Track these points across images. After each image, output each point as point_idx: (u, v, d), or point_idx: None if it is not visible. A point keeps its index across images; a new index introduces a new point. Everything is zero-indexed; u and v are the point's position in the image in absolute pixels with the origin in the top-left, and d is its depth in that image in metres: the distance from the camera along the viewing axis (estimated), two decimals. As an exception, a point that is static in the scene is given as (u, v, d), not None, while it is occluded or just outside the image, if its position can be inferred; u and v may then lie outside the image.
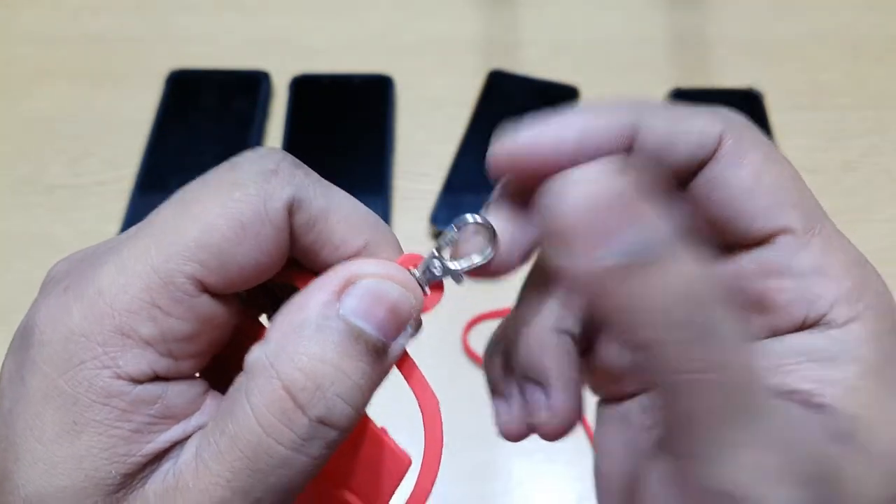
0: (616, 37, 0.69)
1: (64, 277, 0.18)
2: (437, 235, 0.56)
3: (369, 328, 0.17)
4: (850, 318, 0.17)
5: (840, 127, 0.63)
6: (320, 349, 0.17)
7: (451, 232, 0.19)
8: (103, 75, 0.66)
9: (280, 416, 0.16)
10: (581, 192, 0.15)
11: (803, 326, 0.18)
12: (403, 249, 0.20)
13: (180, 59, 0.66)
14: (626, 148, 0.18)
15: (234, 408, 0.16)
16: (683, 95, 0.63)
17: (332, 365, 0.16)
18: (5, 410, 0.17)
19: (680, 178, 0.19)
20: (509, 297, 0.50)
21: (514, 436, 0.22)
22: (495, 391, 0.23)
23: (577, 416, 0.21)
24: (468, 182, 0.58)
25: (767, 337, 0.19)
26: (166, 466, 0.17)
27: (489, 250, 0.19)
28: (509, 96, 0.63)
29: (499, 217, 0.19)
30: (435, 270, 0.19)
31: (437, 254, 0.19)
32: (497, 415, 0.22)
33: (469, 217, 0.19)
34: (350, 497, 0.19)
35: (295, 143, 0.61)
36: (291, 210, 0.18)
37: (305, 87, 0.64)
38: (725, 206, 0.18)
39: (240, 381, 0.17)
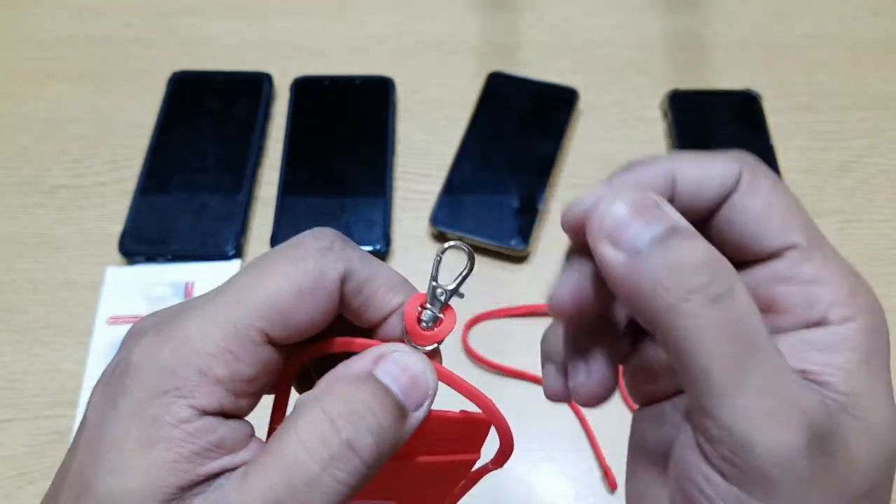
0: (615, 39, 0.70)
1: (153, 326, 0.21)
2: (437, 236, 0.57)
3: (395, 387, 0.21)
4: (846, 317, 0.21)
5: (837, 128, 0.64)
6: (357, 391, 0.21)
7: (437, 259, 0.24)
8: (106, 77, 0.67)
9: (317, 435, 0.20)
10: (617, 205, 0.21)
11: (806, 326, 0.22)
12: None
13: (183, 60, 0.67)
14: (669, 193, 0.22)
15: (282, 433, 0.20)
16: (681, 97, 0.63)
17: (363, 403, 0.20)
18: (93, 426, 0.20)
19: (709, 210, 0.23)
20: (507, 298, 0.51)
21: (556, 397, 0.26)
22: (547, 359, 0.26)
23: (610, 389, 0.25)
24: (468, 183, 0.59)
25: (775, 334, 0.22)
26: (214, 487, 0.20)
27: (469, 263, 0.24)
28: (509, 98, 0.63)
29: (567, 274, 0.23)
30: (440, 296, 0.23)
31: (434, 282, 0.23)
32: (545, 377, 0.26)
33: (448, 244, 0.24)
34: (450, 458, 0.25)
35: (296, 145, 0.61)
36: (343, 280, 0.22)
37: (307, 89, 0.64)
38: (745, 227, 0.22)
39: (289, 417, 0.21)
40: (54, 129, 0.63)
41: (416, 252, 0.57)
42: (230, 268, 0.54)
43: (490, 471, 0.27)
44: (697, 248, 0.20)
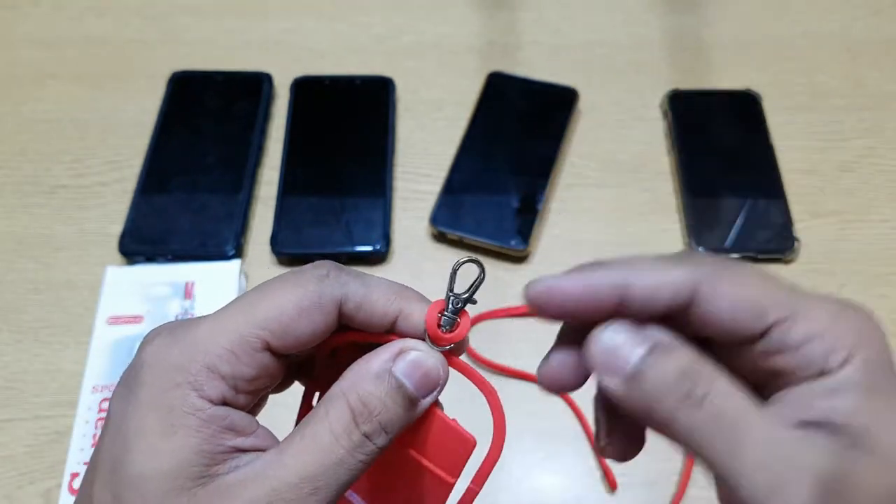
0: (615, 39, 0.70)
1: (165, 332, 0.25)
2: (437, 235, 0.57)
3: (408, 383, 0.25)
4: (843, 360, 0.23)
5: (837, 128, 0.64)
6: (375, 389, 0.25)
7: (452, 274, 0.26)
8: (106, 77, 0.67)
9: (344, 427, 0.24)
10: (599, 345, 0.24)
11: (812, 378, 0.23)
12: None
13: (183, 60, 0.67)
14: (620, 298, 0.24)
15: (314, 420, 0.24)
16: (681, 97, 0.63)
17: (380, 400, 0.24)
18: (116, 418, 0.24)
19: (671, 311, 0.24)
20: (507, 298, 0.51)
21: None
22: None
23: None
24: (468, 183, 0.59)
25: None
26: (242, 464, 0.24)
27: (480, 274, 0.27)
28: (509, 97, 0.63)
29: (558, 351, 0.27)
30: (455, 304, 0.26)
31: (451, 292, 0.26)
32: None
33: (462, 259, 0.27)
34: (431, 466, 0.28)
35: (296, 145, 0.61)
36: (341, 303, 0.26)
37: (307, 89, 0.64)
38: (722, 322, 0.24)
39: (320, 405, 0.25)
40: (54, 129, 0.64)
41: (416, 252, 0.57)
42: (230, 268, 0.54)
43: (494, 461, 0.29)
44: (677, 361, 0.23)
